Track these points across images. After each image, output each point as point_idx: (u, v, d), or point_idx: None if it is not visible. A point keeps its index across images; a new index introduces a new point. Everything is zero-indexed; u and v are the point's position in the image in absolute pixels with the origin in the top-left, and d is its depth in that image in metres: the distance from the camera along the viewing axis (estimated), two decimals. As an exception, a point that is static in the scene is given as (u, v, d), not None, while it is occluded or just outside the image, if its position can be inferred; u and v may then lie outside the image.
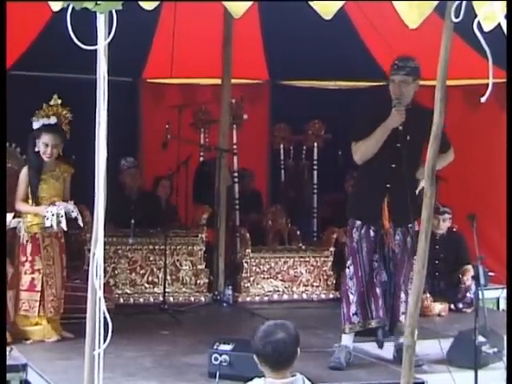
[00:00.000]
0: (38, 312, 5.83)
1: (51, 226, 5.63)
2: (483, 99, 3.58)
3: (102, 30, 3.11)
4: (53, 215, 5.60)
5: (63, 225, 5.64)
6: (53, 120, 5.88)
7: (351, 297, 5.28)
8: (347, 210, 5.48)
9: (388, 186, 5.16)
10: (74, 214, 5.60)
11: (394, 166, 5.13)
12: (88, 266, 3.18)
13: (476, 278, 5.34)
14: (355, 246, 5.28)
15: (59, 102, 5.94)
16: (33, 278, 5.83)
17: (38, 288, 5.82)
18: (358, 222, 5.29)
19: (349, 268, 5.31)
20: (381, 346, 5.41)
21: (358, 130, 5.22)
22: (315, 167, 8.87)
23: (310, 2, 4.20)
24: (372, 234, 5.25)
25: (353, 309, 5.27)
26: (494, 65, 3.56)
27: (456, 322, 6.70)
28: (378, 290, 5.26)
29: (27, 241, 5.83)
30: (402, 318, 5.19)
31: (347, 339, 5.33)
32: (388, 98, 5.23)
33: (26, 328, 5.84)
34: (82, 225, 5.86)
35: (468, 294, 7.46)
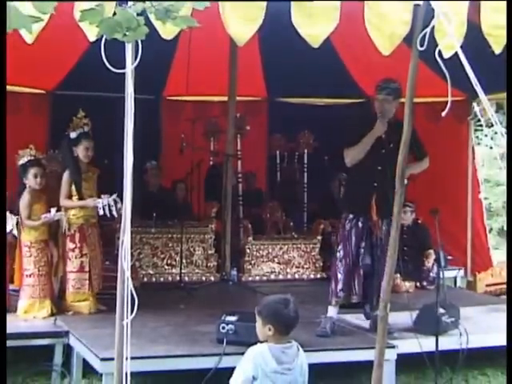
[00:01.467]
0: (88, 289, 5.84)
1: (104, 214, 5.66)
2: (444, 114, 3.59)
3: (130, 56, 3.11)
4: (104, 206, 5.65)
5: (114, 213, 5.67)
6: (87, 129, 5.93)
7: (339, 275, 5.30)
8: (342, 205, 5.52)
9: (375, 184, 5.18)
10: (119, 205, 5.63)
11: (379, 168, 5.15)
12: (118, 250, 3.18)
13: (437, 261, 5.35)
14: (346, 235, 5.31)
15: (83, 114, 5.97)
16: (82, 261, 5.87)
17: (87, 269, 5.87)
18: (351, 215, 5.32)
19: (339, 252, 5.33)
20: (368, 316, 5.42)
21: (348, 138, 5.28)
22: (305, 170, 8.88)
23: (300, 32, 4.20)
24: (360, 224, 5.29)
25: (340, 285, 5.29)
26: (452, 86, 3.57)
27: (421, 297, 6.71)
28: (361, 272, 5.29)
29: (75, 230, 5.87)
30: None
31: (332, 311, 5.34)
32: (373, 113, 5.28)
33: (75, 303, 5.85)
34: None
35: (431, 274, 7.47)
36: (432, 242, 7.47)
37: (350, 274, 5.29)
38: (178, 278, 7.34)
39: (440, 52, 3.60)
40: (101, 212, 5.69)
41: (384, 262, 5.26)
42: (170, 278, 7.48)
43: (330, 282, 5.43)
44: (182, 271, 7.35)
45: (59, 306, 5.85)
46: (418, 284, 7.50)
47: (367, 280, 5.31)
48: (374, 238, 5.29)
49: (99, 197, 5.77)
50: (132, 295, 3.04)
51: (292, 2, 4.17)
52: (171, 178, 8.57)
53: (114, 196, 5.65)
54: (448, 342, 5.14)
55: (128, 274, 3.09)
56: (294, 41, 4.52)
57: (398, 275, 7.10)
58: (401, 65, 4.29)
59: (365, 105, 8.95)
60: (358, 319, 5.58)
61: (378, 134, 5.19)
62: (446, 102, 3.55)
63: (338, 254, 5.35)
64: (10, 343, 3.77)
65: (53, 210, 5.74)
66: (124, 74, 3.15)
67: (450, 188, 8.75)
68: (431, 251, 7.57)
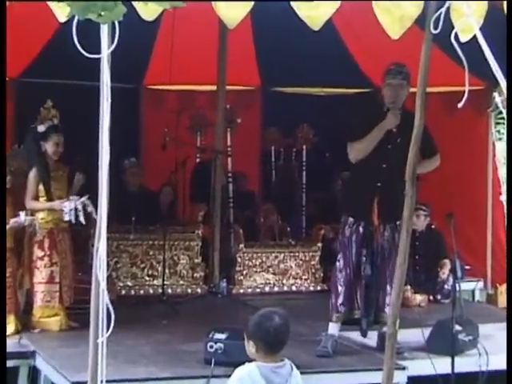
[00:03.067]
0: (58, 302, 5.83)
1: (70, 220, 5.60)
2: (460, 105, 3.59)
3: (105, 39, 3.10)
4: (71, 210, 5.58)
5: (81, 219, 5.60)
6: (56, 121, 5.89)
7: (339, 288, 5.30)
8: (341, 207, 5.52)
9: (379, 184, 5.17)
10: (89, 209, 5.56)
11: (384, 166, 5.15)
12: (92, 259, 3.17)
13: (453, 271, 5.36)
14: (346, 242, 5.30)
15: (51, 105, 5.94)
16: (51, 271, 5.85)
17: (57, 280, 5.84)
18: (351, 219, 5.30)
19: (339, 261, 5.33)
20: (364, 334, 5.42)
21: (353, 131, 5.25)
22: (304, 168, 8.88)
23: (300, 14, 4.21)
24: (361, 230, 5.28)
25: (340, 299, 5.29)
26: (470, 73, 3.57)
27: (435, 312, 6.71)
28: (363, 282, 5.29)
29: (44, 236, 5.82)
30: (387, 309, 5.19)
31: (334, 328, 5.34)
32: (378, 103, 5.27)
33: (43, 319, 5.82)
34: (96, 218, 5.79)
35: (446, 286, 7.47)
36: (447, 250, 7.48)
37: (352, 286, 5.28)
38: (160, 290, 7.33)
39: (456, 35, 3.60)
40: (66, 217, 5.59)
41: (384, 272, 5.29)
42: (150, 291, 7.46)
43: (330, 295, 5.43)
44: (165, 283, 7.34)
45: (25, 322, 5.82)
46: (431, 297, 7.51)
47: (368, 293, 5.32)
48: (375, 245, 5.29)
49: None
50: (108, 310, 3.04)
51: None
52: (153, 177, 8.56)
53: (84, 199, 5.58)
54: (465, 363, 5.15)
55: (103, 285, 3.08)
56: (292, 23, 4.53)
57: (409, 287, 7.11)
58: (412, 50, 4.30)
59: (371, 95, 8.97)
60: (360, 336, 5.57)
61: (390, 127, 5.16)
62: (463, 92, 3.55)
63: (337, 264, 5.35)
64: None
65: (22, 214, 5.68)
66: (99, 59, 3.14)
67: (467, 189, 8.76)
68: (446, 260, 7.58)
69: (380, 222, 5.23)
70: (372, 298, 5.30)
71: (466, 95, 3.53)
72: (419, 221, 7.60)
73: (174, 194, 8.27)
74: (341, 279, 5.30)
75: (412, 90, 4.94)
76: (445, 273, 7.56)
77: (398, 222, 5.24)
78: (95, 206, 3.35)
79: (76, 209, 5.55)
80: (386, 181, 5.10)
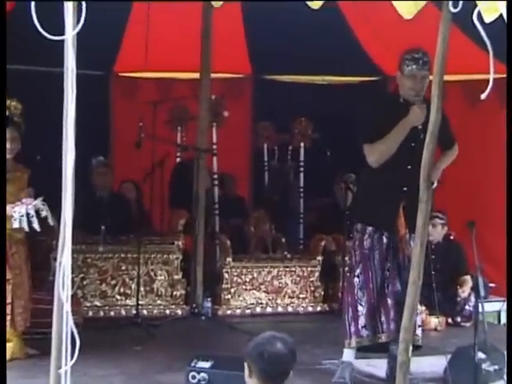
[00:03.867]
0: (10, 326, 5.77)
1: (21, 227, 5.48)
2: (483, 96, 3.60)
3: (70, 19, 3.10)
4: (22, 216, 5.47)
5: (36, 225, 5.48)
6: (10, 114, 5.81)
7: (360, 308, 5.28)
8: (355, 214, 5.49)
9: (405, 189, 5.16)
10: (43, 213, 5.47)
11: (409, 167, 5.13)
12: (54, 276, 3.15)
13: (475, 289, 5.36)
14: (367, 253, 5.28)
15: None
16: None
17: (9, 300, 5.76)
18: (370, 228, 5.28)
19: (358, 277, 5.31)
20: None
21: (372, 130, 5.20)
22: (302, 169, 8.89)
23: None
24: (385, 240, 5.26)
25: (362, 321, 5.28)
26: (495, 59, 3.58)
27: (454, 337, 6.72)
28: (389, 301, 5.26)
29: None
30: (418, 331, 5.18)
31: (350, 355, 5.33)
32: (390, 94, 5.27)
33: None
34: (52, 223, 5.73)
35: (467, 307, 7.49)
36: (468, 265, 7.48)
37: (375, 305, 5.27)
38: (133, 311, 7.31)
39: (479, 15, 3.61)
40: (15, 224, 5.44)
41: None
42: (123, 312, 7.45)
43: (344, 317, 5.37)
44: (140, 302, 7.32)
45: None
46: (449, 320, 7.52)
47: (397, 312, 5.28)
48: (401, 258, 5.28)
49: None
50: (72, 334, 3.03)
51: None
52: (125, 180, 8.56)
53: (37, 202, 5.49)
54: (489, 397, 5.15)
55: (67, 306, 3.07)
56: (288, 2, 4.53)
57: (424, 308, 7.11)
58: (428, 32, 4.31)
59: (380, 84, 8.98)
60: (369, 365, 5.58)
61: (416, 124, 5.16)
62: (487, 81, 3.56)
63: (355, 280, 5.32)
64: None
65: None
66: (63, 42, 3.13)
67: (491, 193, 8.77)
68: (467, 277, 7.59)
69: (406, 231, 5.23)
70: (400, 319, 5.29)
71: (490, 84, 3.54)
72: (435, 231, 7.62)
73: (136, 190, 8.24)
74: (362, 298, 5.28)
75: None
76: (465, 291, 7.57)
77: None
78: (58, 213, 3.33)
79: (28, 214, 5.43)
80: (413, 184, 5.09)
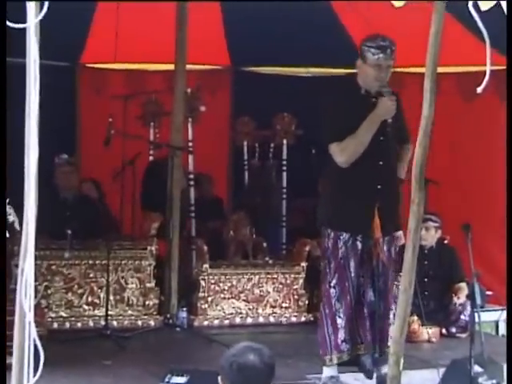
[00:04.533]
0: None
1: None
2: (479, 89, 3.61)
3: (33, 6, 3.09)
4: None
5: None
6: None
7: (339, 321, 5.28)
8: (326, 220, 5.42)
9: (379, 187, 5.16)
10: (11, 218, 5.46)
11: (381, 163, 5.14)
12: (15, 284, 3.14)
13: (471, 297, 5.38)
14: (342, 263, 5.27)
15: None
16: None
17: None
18: (345, 234, 5.26)
19: (334, 288, 5.30)
20: (370, 375, 5.41)
21: (337, 127, 5.19)
22: (284, 168, 8.89)
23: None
24: (359, 245, 5.26)
25: (341, 335, 5.27)
26: (492, 49, 3.59)
27: (448, 349, 6.73)
28: (365, 311, 5.29)
29: None
30: (390, 342, 5.19)
31: (331, 371, 5.33)
32: (353, 86, 5.25)
33: None
34: (18, 228, 5.73)
35: (462, 317, 7.50)
36: (464, 271, 7.51)
37: (354, 316, 5.28)
38: (102, 322, 7.28)
39: (475, 2, 3.62)
40: None
41: (388, 297, 5.30)
42: (90, 323, 7.42)
43: (323, 331, 5.37)
44: (109, 313, 7.30)
45: None
46: (443, 330, 7.54)
47: (372, 322, 5.32)
48: (375, 263, 5.29)
49: None
50: (36, 348, 3.01)
51: None
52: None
53: None
54: (486, 413, 5.17)
55: (30, 316, 3.06)
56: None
57: (416, 318, 7.13)
58: (420, 20, 4.32)
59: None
60: (357, 380, 5.58)
61: (387, 116, 5.16)
62: (483, 73, 3.57)
63: (332, 291, 5.32)
64: None
65: None
66: (24, 30, 3.12)
67: (488, 194, 8.81)
68: (463, 284, 7.62)
69: (381, 235, 5.24)
70: (378, 330, 5.31)
71: (487, 76, 3.55)
72: (429, 234, 7.64)
73: (97, 190, 8.21)
74: (340, 310, 5.28)
75: (418, 70, 4.97)
76: (461, 299, 7.59)
77: (397, 234, 5.27)
78: (20, 215, 3.32)
79: None
80: (386, 181, 5.11)
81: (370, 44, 5.18)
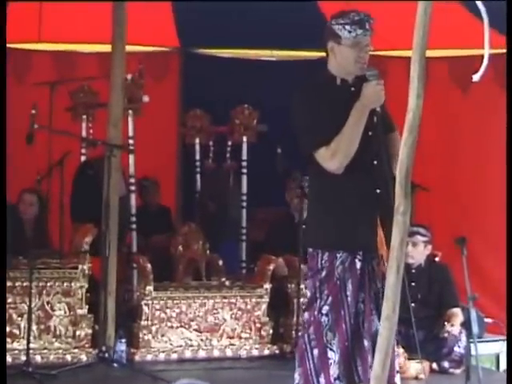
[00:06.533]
0: None
1: None
2: (476, 77, 3.62)
3: None
4: None
5: None
6: None
7: (332, 355, 5.23)
8: (314, 239, 5.37)
9: (378, 191, 5.15)
10: None
11: (375, 162, 5.14)
12: None
13: (467, 325, 5.40)
14: (338, 285, 5.24)
15: None
16: None
17: None
18: (341, 253, 5.23)
19: (327, 315, 5.26)
20: None
21: (319, 130, 5.15)
22: (244, 171, 8.89)
23: None
24: (359, 264, 5.23)
25: (334, 371, 5.23)
26: (491, 29, 3.61)
27: (440, 387, 6.77)
28: (365, 343, 5.26)
29: None
30: (396, 379, 5.19)
31: None
32: (325, 77, 5.24)
33: None
34: None
35: (456, 349, 7.55)
36: (458, 294, 7.55)
37: (349, 349, 5.27)
38: (22, 357, 7.25)
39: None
40: None
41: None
42: (8, 359, 7.34)
43: (305, 367, 5.33)
44: (31, 346, 7.26)
45: None
46: (434, 365, 7.57)
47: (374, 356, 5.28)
48: (379, 285, 5.26)
49: None
50: None
51: None
52: (12, 184, 8.44)
53: None
54: None
55: None
56: None
57: (402, 350, 7.16)
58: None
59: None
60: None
61: (377, 104, 5.14)
62: (481, 57, 3.59)
63: (323, 319, 5.26)
64: None
65: None
66: None
67: (487, 203, 8.88)
68: (457, 310, 7.66)
69: (385, 250, 5.22)
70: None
71: (485, 62, 3.57)
72: (416, 250, 7.67)
73: (40, 205, 8.16)
74: (332, 342, 5.23)
75: (403, 53, 4.99)
76: (454, 328, 7.63)
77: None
78: None
79: None
80: (385, 183, 5.10)
81: (343, 21, 5.17)
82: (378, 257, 5.22)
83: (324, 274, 5.26)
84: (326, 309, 5.25)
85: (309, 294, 5.39)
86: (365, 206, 5.19)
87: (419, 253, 7.73)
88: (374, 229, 5.17)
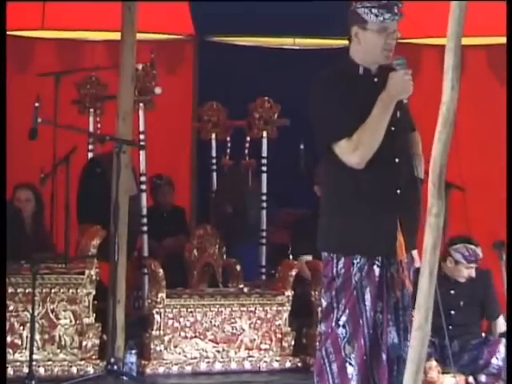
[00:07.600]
0: None
1: None
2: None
3: None
4: None
5: None
6: None
7: (350, 370, 5.23)
8: (328, 242, 5.37)
9: (398, 191, 5.15)
10: None
11: (397, 160, 5.13)
12: None
13: (507, 335, 5.39)
14: (355, 294, 5.24)
15: None
16: None
17: None
18: (359, 259, 5.23)
19: (344, 327, 5.26)
20: None
21: (341, 121, 5.15)
22: (264, 168, 8.89)
23: None
24: (378, 271, 5.23)
25: None
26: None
27: (477, 403, 6.76)
28: (383, 357, 5.26)
29: None
30: None
31: None
32: (348, 66, 5.24)
33: None
34: None
35: (494, 361, 7.53)
36: (499, 302, 7.53)
37: (367, 362, 5.27)
38: (25, 369, 7.27)
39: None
40: None
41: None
42: (10, 371, 7.40)
43: (321, 382, 5.37)
44: (34, 357, 7.29)
45: None
46: (470, 379, 7.56)
47: (391, 372, 5.29)
48: (399, 294, 5.26)
49: None
50: None
51: None
52: (14, 182, 8.51)
53: None
54: None
55: None
56: None
57: (435, 363, 7.15)
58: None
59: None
60: None
61: (404, 96, 5.14)
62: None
63: (341, 331, 5.27)
64: None
65: None
66: None
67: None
68: (500, 320, 7.62)
69: (407, 255, 5.22)
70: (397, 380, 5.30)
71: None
72: (467, 271, 7.48)
73: (37, 201, 8.20)
74: (350, 355, 5.23)
75: (437, 41, 4.98)
76: (493, 338, 7.62)
77: (414, 253, 5.27)
78: None
79: None
80: (406, 184, 5.10)
81: (369, 4, 5.16)
82: (397, 263, 5.22)
83: (340, 281, 5.25)
84: (343, 320, 5.24)
85: (324, 303, 5.38)
86: (384, 207, 5.17)
87: (468, 273, 7.62)
88: (394, 232, 5.16)
